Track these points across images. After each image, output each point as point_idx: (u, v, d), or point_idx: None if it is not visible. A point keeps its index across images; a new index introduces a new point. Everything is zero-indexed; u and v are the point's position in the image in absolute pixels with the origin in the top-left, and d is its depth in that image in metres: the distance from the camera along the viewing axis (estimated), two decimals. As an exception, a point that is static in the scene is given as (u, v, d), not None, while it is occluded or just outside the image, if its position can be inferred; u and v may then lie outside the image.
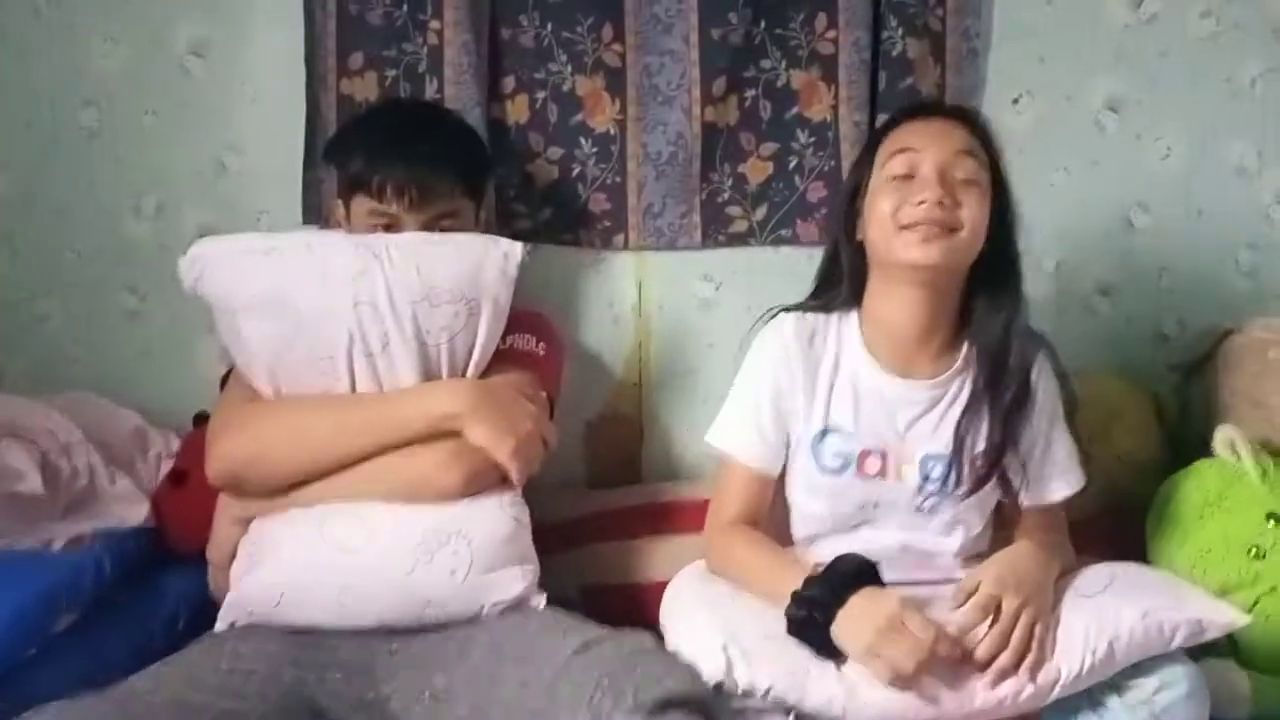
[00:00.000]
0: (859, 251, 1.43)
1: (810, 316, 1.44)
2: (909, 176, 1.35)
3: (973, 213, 1.34)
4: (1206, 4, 1.87)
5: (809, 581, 1.24)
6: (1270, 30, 1.88)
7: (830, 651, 1.21)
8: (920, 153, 1.35)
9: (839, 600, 1.21)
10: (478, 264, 1.41)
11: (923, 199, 1.32)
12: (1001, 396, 1.38)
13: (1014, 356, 1.39)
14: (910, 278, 1.37)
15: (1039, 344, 1.43)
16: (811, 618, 1.21)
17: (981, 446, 1.38)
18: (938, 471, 1.39)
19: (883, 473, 1.40)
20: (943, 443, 1.39)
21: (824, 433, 1.40)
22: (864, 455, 1.40)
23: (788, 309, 1.46)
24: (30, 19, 1.77)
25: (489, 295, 1.41)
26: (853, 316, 1.44)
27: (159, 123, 1.80)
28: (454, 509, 1.35)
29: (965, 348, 1.41)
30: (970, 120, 1.42)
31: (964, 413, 1.39)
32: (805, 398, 1.41)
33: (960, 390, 1.40)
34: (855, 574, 1.24)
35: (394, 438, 1.36)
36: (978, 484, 1.39)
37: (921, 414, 1.40)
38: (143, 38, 1.78)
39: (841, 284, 1.44)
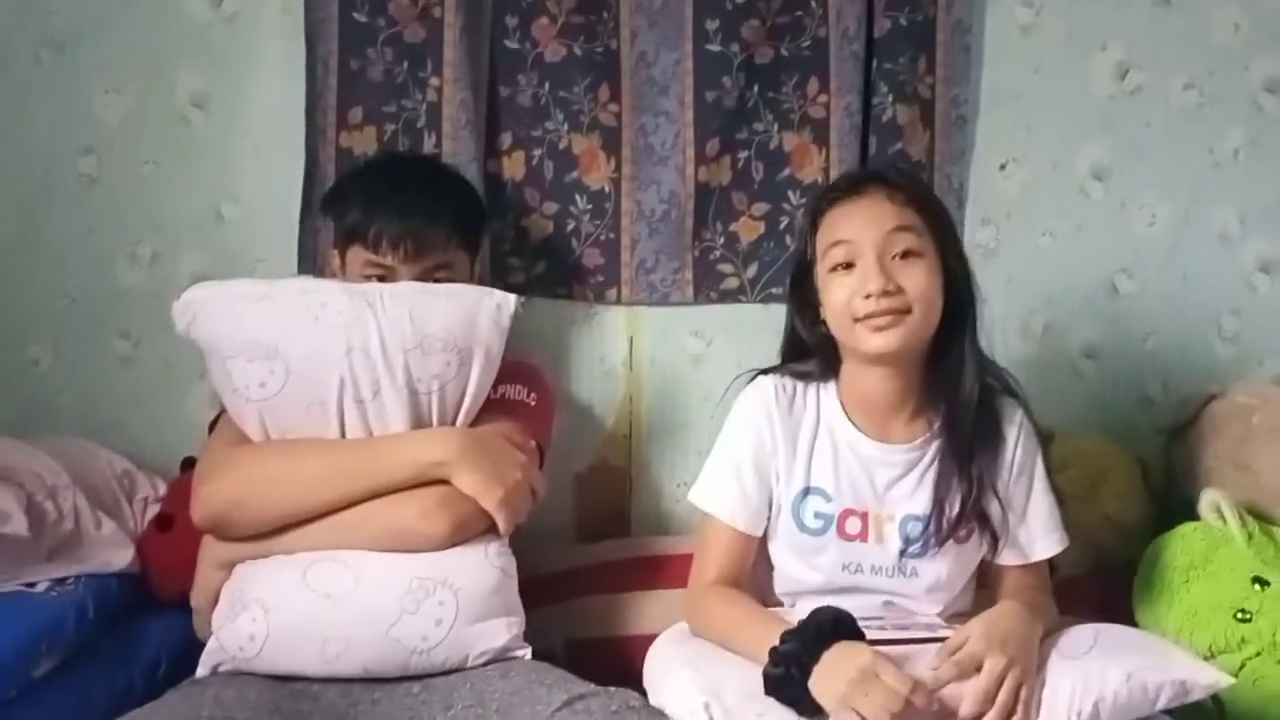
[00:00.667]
0: (823, 330, 1.43)
1: (790, 380, 1.46)
2: (850, 264, 1.36)
3: (920, 287, 1.35)
4: (1189, 76, 1.91)
5: (785, 636, 1.23)
6: (1251, 102, 1.92)
7: (810, 708, 1.20)
8: (854, 242, 1.36)
9: (814, 655, 1.20)
10: (471, 314, 1.42)
11: (868, 292, 1.34)
12: (973, 456, 1.39)
13: (983, 414, 1.40)
14: (875, 360, 1.39)
15: (1017, 403, 1.45)
16: (789, 674, 1.20)
17: (959, 508, 1.39)
18: (917, 532, 1.40)
19: (863, 534, 1.41)
20: (921, 504, 1.40)
21: (805, 492, 1.41)
22: (844, 516, 1.41)
23: (767, 371, 1.48)
24: (32, 66, 1.80)
25: (481, 345, 1.42)
26: (830, 384, 1.45)
27: (158, 172, 1.82)
28: (440, 559, 1.34)
29: (937, 410, 1.42)
30: (899, 185, 1.40)
31: (940, 474, 1.40)
32: (786, 458, 1.42)
33: (936, 452, 1.41)
34: (831, 627, 1.23)
35: (382, 484, 1.36)
36: (952, 539, 1.39)
37: (900, 476, 1.41)
38: (144, 88, 1.81)
39: (810, 358, 1.46)
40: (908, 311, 1.34)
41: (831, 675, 1.19)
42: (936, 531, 1.39)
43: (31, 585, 1.45)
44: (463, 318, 1.41)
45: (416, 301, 1.41)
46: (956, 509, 1.39)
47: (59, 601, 1.43)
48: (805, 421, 1.44)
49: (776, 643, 1.23)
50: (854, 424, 1.42)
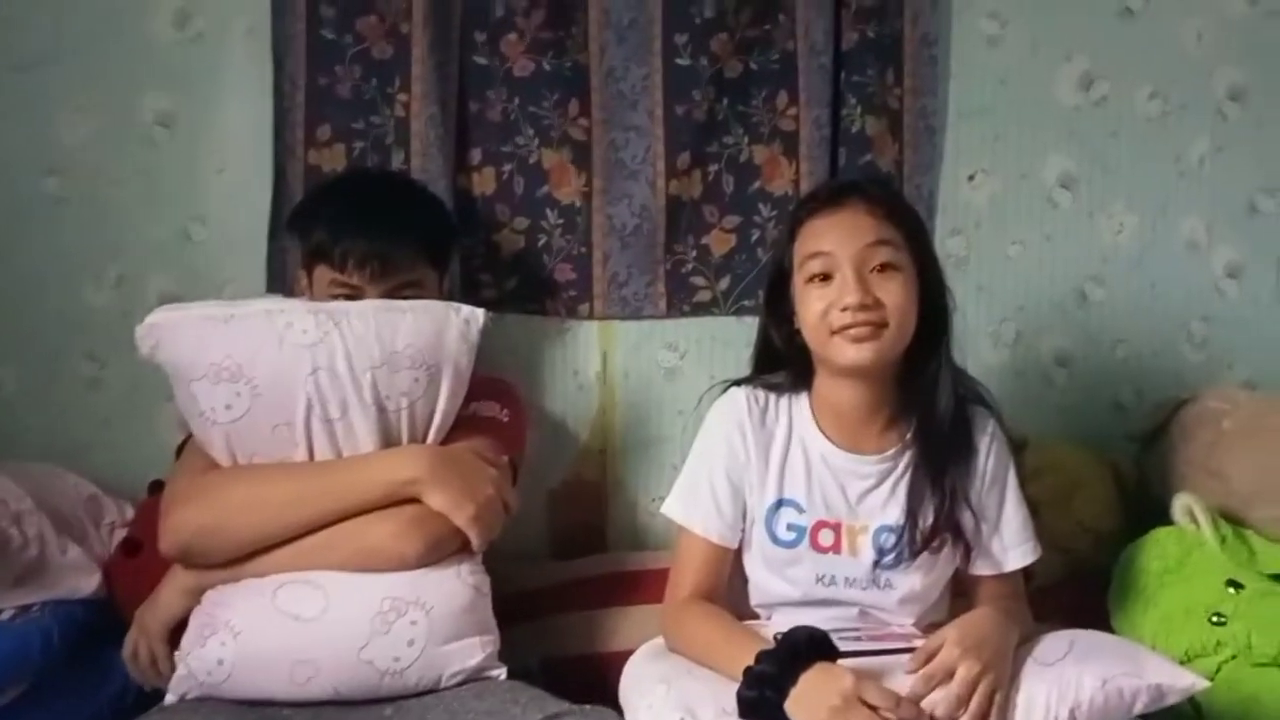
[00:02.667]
0: (797, 341, 1.43)
1: (762, 391, 1.45)
2: (828, 276, 1.36)
3: (896, 301, 1.35)
4: (1154, 85, 1.93)
5: (760, 657, 1.22)
6: (1215, 110, 1.95)
7: None
8: (832, 255, 1.35)
9: (790, 678, 1.19)
10: (438, 330, 1.41)
11: (846, 304, 1.34)
12: (946, 467, 1.39)
13: (956, 425, 1.41)
14: (849, 372, 1.39)
15: (989, 412, 1.45)
16: (763, 696, 1.19)
17: (932, 520, 1.39)
18: (891, 543, 1.40)
19: (836, 546, 1.41)
20: (894, 515, 1.40)
21: (778, 504, 1.41)
22: (817, 528, 1.41)
23: (739, 382, 1.48)
24: (-6, 86, 1.78)
25: (450, 361, 1.41)
26: (803, 396, 1.45)
27: (124, 192, 1.80)
28: (413, 578, 1.33)
29: (910, 421, 1.42)
30: (878, 198, 1.40)
31: (912, 485, 1.40)
32: (759, 470, 1.42)
33: (909, 463, 1.41)
34: (806, 648, 1.22)
35: (352, 505, 1.34)
36: (926, 551, 1.39)
37: (872, 488, 1.41)
38: (109, 108, 1.79)
39: (783, 368, 1.46)
40: (884, 325, 1.34)
41: (810, 701, 1.18)
42: (910, 543, 1.39)
43: (-4, 612, 1.43)
44: (430, 334, 1.40)
45: (383, 319, 1.40)
46: (930, 520, 1.39)
47: (24, 628, 1.41)
48: (778, 433, 1.43)
49: (751, 662, 1.22)
50: (826, 435, 1.42)
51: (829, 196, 1.41)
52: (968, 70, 1.90)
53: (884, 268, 1.35)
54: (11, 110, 1.79)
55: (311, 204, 1.59)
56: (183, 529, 1.35)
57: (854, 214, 1.37)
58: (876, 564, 1.39)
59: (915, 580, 1.40)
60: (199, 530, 1.34)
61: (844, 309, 1.34)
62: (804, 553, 1.40)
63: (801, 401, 1.45)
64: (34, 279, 1.80)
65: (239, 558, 1.35)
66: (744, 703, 1.20)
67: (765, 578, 1.43)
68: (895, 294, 1.35)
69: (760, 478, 1.42)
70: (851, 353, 1.34)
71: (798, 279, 1.40)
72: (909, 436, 1.42)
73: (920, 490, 1.40)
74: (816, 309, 1.36)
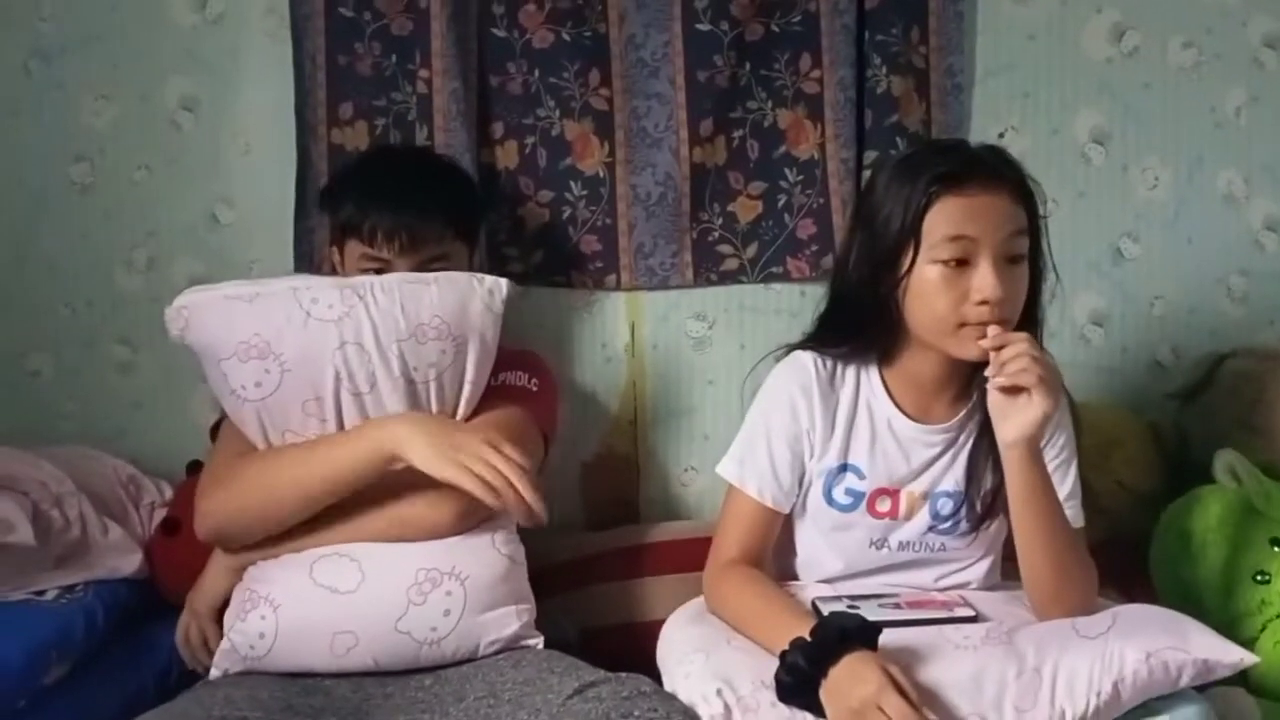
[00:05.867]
0: (889, 314, 1.36)
1: (830, 357, 1.42)
2: (962, 262, 1.29)
3: (1022, 293, 1.32)
4: (1187, 35, 1.89)
5: (794, 646, 1.20)
6: (1251, 59, 1.90)
7: (824, 712, 1.18)
8: (976, 241, 1.29)
9: (823, 668, 1.17)
10: (463, 300, 1.41)
11: (986, 299, 1.28)
12: None
13: None
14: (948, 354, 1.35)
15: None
16: (799, 684, 1.18)
17: (991, 483, 1.37)
18: (948, 509, 1.39)
19: (893, 512, 1.40)
20: (954, 480, 1.39)
21: (841, 469, 1.40)
22: (876, 495, 1.40)
23: (803, 346, 1.44)
24: (20, 77, 1.80)
25: (475, 331, 1.41)
26: (871, 362, 1.42)
27: (150, 177, 1.81)
28: (447, 549, 1.34)
29: (978, 388, 1.38)
30: (1019, 182, 1.34)
31: (974, 449, 1.39)
32: (823, 433, 1.40)
33: (974, 430, 1.40)
34: (840, 637, 1.19)
35: (346, 477, 1.33)
36: (985, 517, 1.38)
37: (937, 456, 1.40)
38: (133, 94, 1.80)
39: (856, 336, 1.40)
40: (1009, 320, 1.30)
41: (836, 697, 1.16)
42: (969, 509, 1.38)
43: (40, 594, 1.44)
44: (454, 305, 1.41)
45: (407, 291, 1.40)
46: (989, 484, 1.37)
47: (68, 609, 1.42)
48: (844, 398, 1.41)
49: (787, 646, 1.20)
50: (896, 404, 1.40)
51: (970, 171, 1.31)
52: (994, 26, 1.86)
53: (1015, 260, 1.32)
54: (37, 99, 1.80)
55: (341, 181, 1.59)
56: (212, 514, 1.37)
57: (998, 199, 1.31)
58: (931, 528, 1.39)
59: (968, 543, 1.40)
60: (227, 515, 1.36)
61: (981, 303, 1.28)
62: (859, 518, 1.40)
63: (871, 368, 1.42)
64: (64, 266, 1.82)
65: (273, 537, 1.36)
66: (781, 687, 1.19)
67: (814, 544, 1.42)
68: (1021, 286, 1.32)
69: (824, 441, 1.40)
70: (977, 350, 1.30)
71: (924, 258, 1.31)
72: (974, 403, 1.39)
73: (981, 454, 1.38)
74: (947, 297, 1.30)
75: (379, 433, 1.34)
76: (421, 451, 1.31)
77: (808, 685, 1.17)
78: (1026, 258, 1.34)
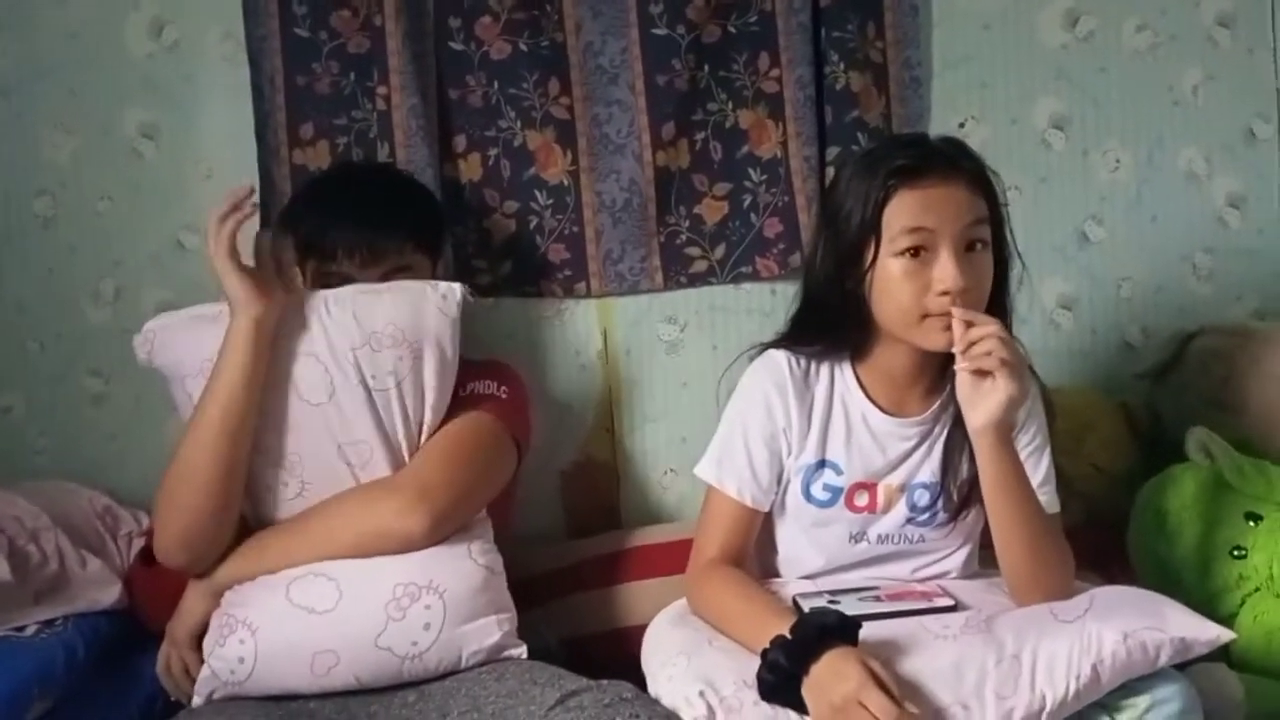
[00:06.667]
0: (857, 309, 1.37)
1: (803, 355, 1.43)
2: (921, 250, 1.31)
3: (985, 281, 1.33)
4: (1141, 18, 1.90)
5: (775, 644, 1.20)
6: (1206, 38, 1.92)
7: (806, 709, 1.19)
8: (934, 232, 1.30)
9: (804, 665, 1.18)
10: (416, 306, 1.42)
11: (946, 289, 1.29)
12: None
13: None
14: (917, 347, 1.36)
15: (1029, 373, 1.41)
16: (780, 683, 1.19)
17: (966, 473, 1.38)
18: (925, 500, 1.40)
19: (871, 506, 1.41)
20: (930, 472, 1.40)
21: (819, 465, 1.41)
22: (854, 490, 1.41)
23: (777, 345, 1.44)
24: (-23, 113, 1.79)
25: (431, 337, 1.41)
26: (844, 359, 1.43)
27: (114, 207, 1.81)
28: (423, 562, 1.34)
29: (950, 380, 1.38)
30: (976, 171, 1.35)
31: (948, 440, 1.40)
32: (800, 431, 1.40)
33: (948, 421, 1.40)
34: (820, 634, 1.20)
35: (241, 379, 1.35)
36: (962, 507, 1.40)
37: (913, 448, 1.41)
38: (93, 124, 1.80)
39: (828, 333, 1.41)
40: (972, 308, 1.31)
41: (816, 695, 1.17)
42: (946, 499, 1.39)
43: (20, 629, 1.44)
44: (408, 312, 1.41)
45: (360, 300, 1.41)
46: (965, 474, 1.38)
47: (48, 643, 1.42)
48: (819, 394, 1.42)
49: (768, 645, 1.21)
50: (870, 398, 1.41)
51: (927, 164, 1.33)
52: (950, 18, 1.88)
53: (975, 247, 1.32)
54: (-4, 133, 1.80)
55: (299, 200, 1.60)
56: (157, 519, 1.39)
57: (955, 189, 1.32)
58: (910, 520, 1.40)
59: (946, 533, 1.40)
60: (165, 507, 1.37)
61: (943, 293, 1.29)
62: (837, 513, 1.40)
63: (844, 364, 1.43)
64: (32, 300, 1.82)
65: (244, 556, 1.37)
66: (763, 685, 1.20)
67: (794, 541, 1.43)
68: (984, 272, 1.33)
69: (801, 438, 1.40)
70: (939, 339, 1.31)
71: (885, 252, 1.32)
72: (947, 394, 1.40)
73: (959, 447, 1.39)
74: (909, 289, 1.31)
75: (234, 317, 1.36)
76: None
77: (790, 683, 1.18)
78: (989, 246, 1.34)
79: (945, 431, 1.41)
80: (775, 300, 1.87)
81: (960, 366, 1.29)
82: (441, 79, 1.80)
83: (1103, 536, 1.67)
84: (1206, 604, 1.48)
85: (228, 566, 1.38)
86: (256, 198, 1.46)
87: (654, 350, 1.88)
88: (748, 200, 1.86)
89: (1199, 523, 1.60)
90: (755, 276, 1.87)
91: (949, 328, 1.29)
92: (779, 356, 1.43)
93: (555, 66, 1.81)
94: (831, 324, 1.40)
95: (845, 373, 1.43)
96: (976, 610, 1.31)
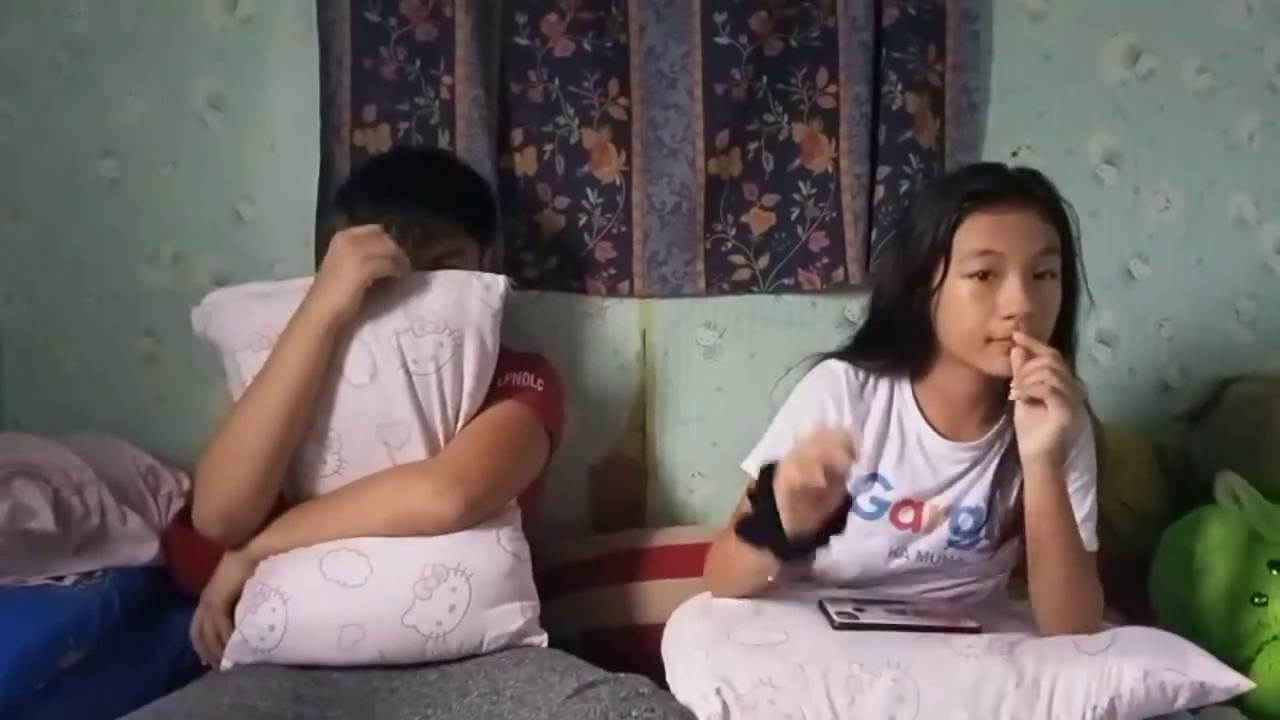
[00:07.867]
0: (922, 329, 1.40)
1: (863, 369, 1.44)
2: (990, 274, 1.32)
3: (1052, 311, 1.34)
4: (1202, 60, 1.90)
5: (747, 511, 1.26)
6: (1265, 85, 1.91)
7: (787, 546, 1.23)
8: (1004, 256, 1.32)
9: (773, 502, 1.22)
10: (459, 295, 1.45)
11: (1011, 314, 1.31)
12: None
13: None
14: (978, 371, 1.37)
15: (1086, 411, 1.43)
16: (764, 529, 1.23)
17: (1013, 502, 1.39)
18: (969, 525, 1.42)
19: (915, 524, 1.42)
20: (978, 497, 1.42)
21: (870, 478, 1.42)
22: (900, 505, 1.42)
23: (838, 356, 1.46)
24: (52, 72, 1.83)
25: (472, 326, 1.44)
26: (905, 377, 1.44)
27: (177, 173, 1.85)
28: (453, 545, 1.36)
29: (1009, 408, 1.38)
30: (1049, 200, 1.37)
31: (1000, 466, 1.41)
32: None
33: (1001, 449, 1.42)
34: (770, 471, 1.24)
35: (304, 373, 1.37)
36: (1005, 536, 1.41)
37: (964, 472, 1.42)
38: (162, 91, 1.84)
39: (891, 351, 1.43)
40: (1039, 336, 1.32)
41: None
42: (989, 526, 1.41)
43: (59, 579, 1.49)
44: (452, 300, 1.44)
45: (406, 285, 1.44)
46: (1010, 504, 1.39)
47: (86, 595, 1.46)
48: (875, 409, 1.43)
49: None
50: (927, 419, 1.43)
51: (1001, 190, 1.35)
52: (1010, 46, 1.88)
53: (1044, 277, 1.34)
54: (68, 95, 1.84)
55: (356, 181, 1.63)
56: (202, 513, 1.42)
57: (1028, 216, 1.34)
58: (951, 543, 1.42)
59: (983, 561, 1.42)
60: (209, 479, 1.40)
61: (1007, 317, 1.31)
62: (881, 526, 1.42)
63: (903, 383, 1.44)
64: (91, 259, 1.86)
65: (280, 529, 1.40)
66: (750, 540, 1.25)
67: (834, 548, 1.43)
68: (1052, 303, 1.34)
69: None
70: (1001, 364, 1.32)
71: (953, 274, 1.35)
72: (1003, 422, 1.41)
73: (1008, 477, 1.40)
74: (975, 312, 1.33)
75: (314, 304, 1.38)
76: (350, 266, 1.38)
77: (770, 524, 1.22)
78: (1058, 276, 1.36)
79: (998, 459, 1.42)
80: (815, 313, 1.88)
81: (1014, 395, 1.31)
82: (504, 72, 1.83)
83: (1128, 575, 1.66)
84: (1225, 649, 1.48)
85: (263, 539, 1.41)
86: None
87: (691, 354, 1.90)
88: (795, 213, 1.87)
89: (1223, 568, 1.59)
90: (797, 288, 1.88)
91: (1009, 352, 1.31)
92: (837, 367, 1.45)
93: (616, 67, 1.83)
94: (895, 342, 1.42)
95: (904, 391, 1.44)
96: (1001, 635, 1.32)
